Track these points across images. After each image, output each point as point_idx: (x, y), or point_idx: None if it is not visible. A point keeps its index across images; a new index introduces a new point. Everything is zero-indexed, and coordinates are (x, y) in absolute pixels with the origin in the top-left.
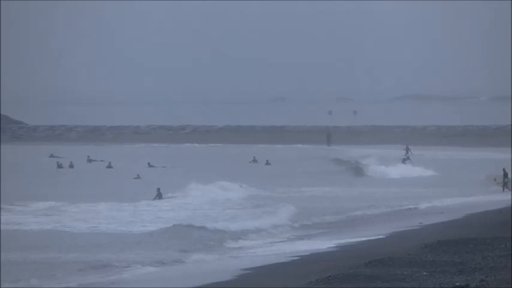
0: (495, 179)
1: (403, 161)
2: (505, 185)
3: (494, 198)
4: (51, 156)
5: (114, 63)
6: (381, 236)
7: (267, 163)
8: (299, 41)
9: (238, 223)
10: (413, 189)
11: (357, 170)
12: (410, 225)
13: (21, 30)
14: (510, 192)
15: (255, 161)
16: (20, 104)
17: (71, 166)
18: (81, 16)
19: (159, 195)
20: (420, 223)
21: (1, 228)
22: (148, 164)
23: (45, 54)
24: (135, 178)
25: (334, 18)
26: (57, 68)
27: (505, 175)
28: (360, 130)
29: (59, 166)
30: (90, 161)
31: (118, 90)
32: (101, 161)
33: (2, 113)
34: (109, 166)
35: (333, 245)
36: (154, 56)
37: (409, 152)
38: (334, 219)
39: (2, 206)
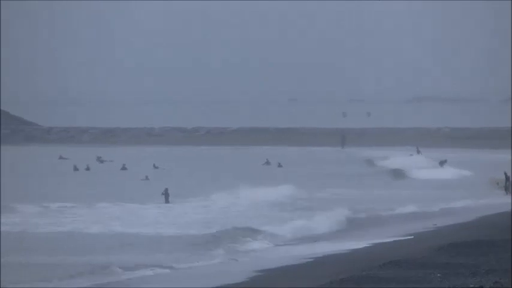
0: (498, 183)
1: (441, 163)
2: (506, 188)
3: (508, 201)
4: (61, 158)
5: (119, 63)
6: (395, 238)
7: (279, 165)
8: (309, 41)
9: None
10: (441, 191)
11: (396, 172)
12: (424, 227)
13: (26, 31)
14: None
15: (267, 163)
16: (33, 105)
17: (87, 169)
18: (84, 17)
19: (166, 196)
20: (434, 225)
21: (12, 230)
22: (154, 165)
23: (55, 55)
24: (142, 179)
25: (344, 18)
26: (66, 69)
27: (507, 179)
28: (373, 132)
29: (75, 169)
30: (102, 161)
31: (126, 91)
32: (111, 161)
33: (15, 114)
34: (123, 168)
35: (347, 247)
36: (166, 57)
37: (419, 154)
38: (352, 221)
39: (13, 207)
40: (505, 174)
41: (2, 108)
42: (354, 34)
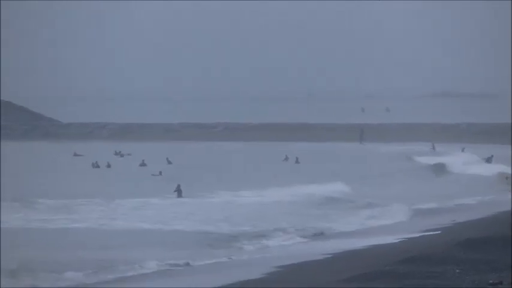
0: (506, 178)
1: (488, 160)
2: None
3: None
4: (75, 155)
5: (131, 60)
6: (414, 234)
7: (297, 161)
8: (323, 38)
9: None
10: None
11: (437, 167)
12: (442, 222)
13: (41, 28)
14: None
15: (287, 159)
16: (51, 102)
17: (108, 166)
18: (95, 14)
19: (178, 192)
20: (453, 220)
21: (26, 225)
22: (167, 159)
23: (69, 53)
24: (155, 175)
25: (358, 16)
26: (81, 67)
27: None
28: (391, 127)
29: (95, 166)
30: (122, 155)
31: (141, 88)
32: (129, 154)
33: (35, 110)
34: (142, 164)
35: (366, 243)
36: (182, 54)
37: (433, 149)
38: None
39: (31, 202)
40: None
41: (21, 104)
42: (368, 31)
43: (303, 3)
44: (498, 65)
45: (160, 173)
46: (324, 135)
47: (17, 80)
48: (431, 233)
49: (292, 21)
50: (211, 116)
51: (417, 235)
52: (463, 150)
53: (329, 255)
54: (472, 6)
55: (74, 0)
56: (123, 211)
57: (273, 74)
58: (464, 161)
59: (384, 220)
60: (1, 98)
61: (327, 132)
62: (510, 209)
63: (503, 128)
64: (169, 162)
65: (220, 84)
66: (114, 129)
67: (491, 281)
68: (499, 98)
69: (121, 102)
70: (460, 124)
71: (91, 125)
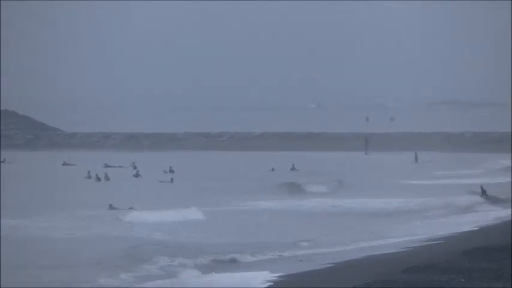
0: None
1: None
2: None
3: None
4: (64, 164)
5: (135, 70)
6: (418, 243)
7: (294, 168)
8: (328, 47)
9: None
10: None
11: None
12: (447, 231)
13: (47, 36)
14: None
15: (294, 169)
16: (55, 107)
17: (107, 178)
18: (102, 24)
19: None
20: (458, 230)
21: (33, 234)
22: (170, 168)
23: (67, 52)
24: (161, 181)
25: (364, 22)
26: (86, 76)
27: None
28: (397, 136)
29: (89, 176)
30: (135, 167)
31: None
32: (119, 166)
33: (39, 119)
34: (137, 175)
35: (368, 252)
36: (180, 52)
37: (417, 158)
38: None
39: (27, 214)
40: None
41: (24, 113)
42: (373, 38)
43: (306, 3)
44: (503, 72)
45: (172, 179)
46: (334, 144)
47: (17, 81)
48: (435, 242)
49: (295, 25)
50: (216, 125)
51: (421, 244)
52: None
53: (331, 265)
54: (479, 11)
55: (74, 0)
56: (120, 222)
57: (273, 78)
58: None
59: None
60: (5, 108)
61: (336, 141)
62: None
63: (507, 136)
64: (172, 171)
65: (221, 87)
66: (119, 138)
67: None
68: (505, 106)
69: (124, 109)
70: (465, 133)
71: (95, 134)
